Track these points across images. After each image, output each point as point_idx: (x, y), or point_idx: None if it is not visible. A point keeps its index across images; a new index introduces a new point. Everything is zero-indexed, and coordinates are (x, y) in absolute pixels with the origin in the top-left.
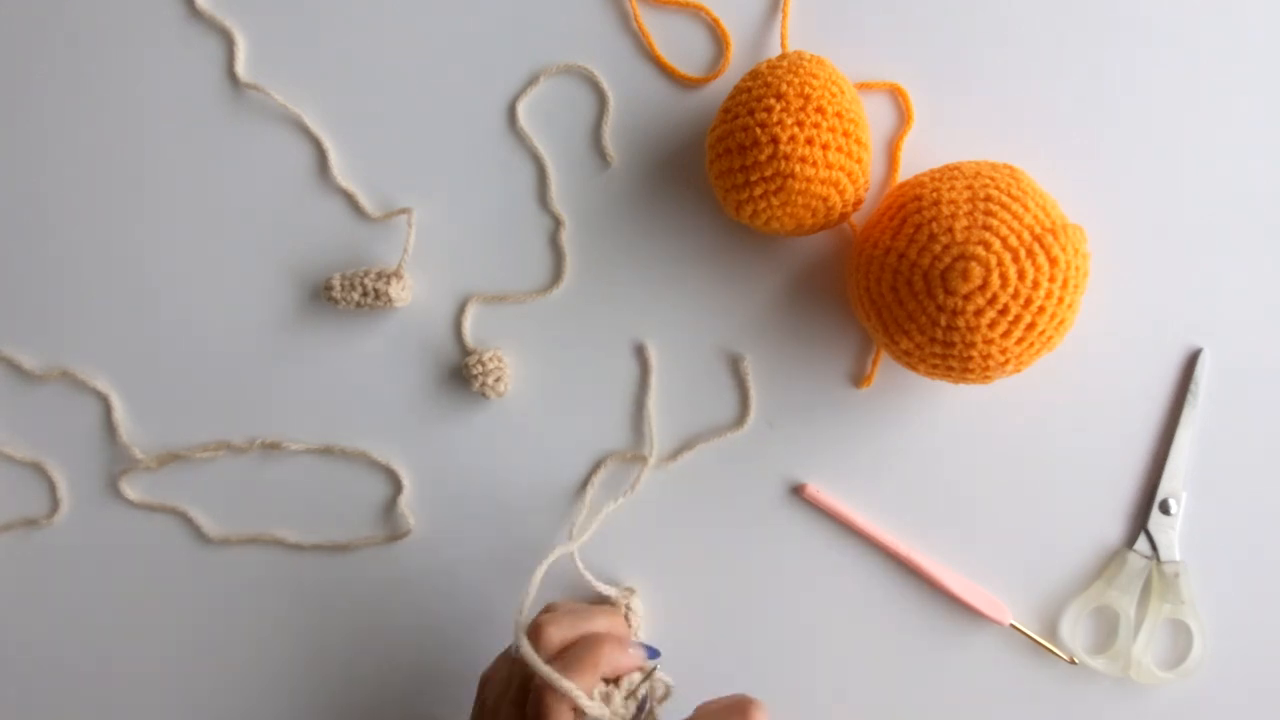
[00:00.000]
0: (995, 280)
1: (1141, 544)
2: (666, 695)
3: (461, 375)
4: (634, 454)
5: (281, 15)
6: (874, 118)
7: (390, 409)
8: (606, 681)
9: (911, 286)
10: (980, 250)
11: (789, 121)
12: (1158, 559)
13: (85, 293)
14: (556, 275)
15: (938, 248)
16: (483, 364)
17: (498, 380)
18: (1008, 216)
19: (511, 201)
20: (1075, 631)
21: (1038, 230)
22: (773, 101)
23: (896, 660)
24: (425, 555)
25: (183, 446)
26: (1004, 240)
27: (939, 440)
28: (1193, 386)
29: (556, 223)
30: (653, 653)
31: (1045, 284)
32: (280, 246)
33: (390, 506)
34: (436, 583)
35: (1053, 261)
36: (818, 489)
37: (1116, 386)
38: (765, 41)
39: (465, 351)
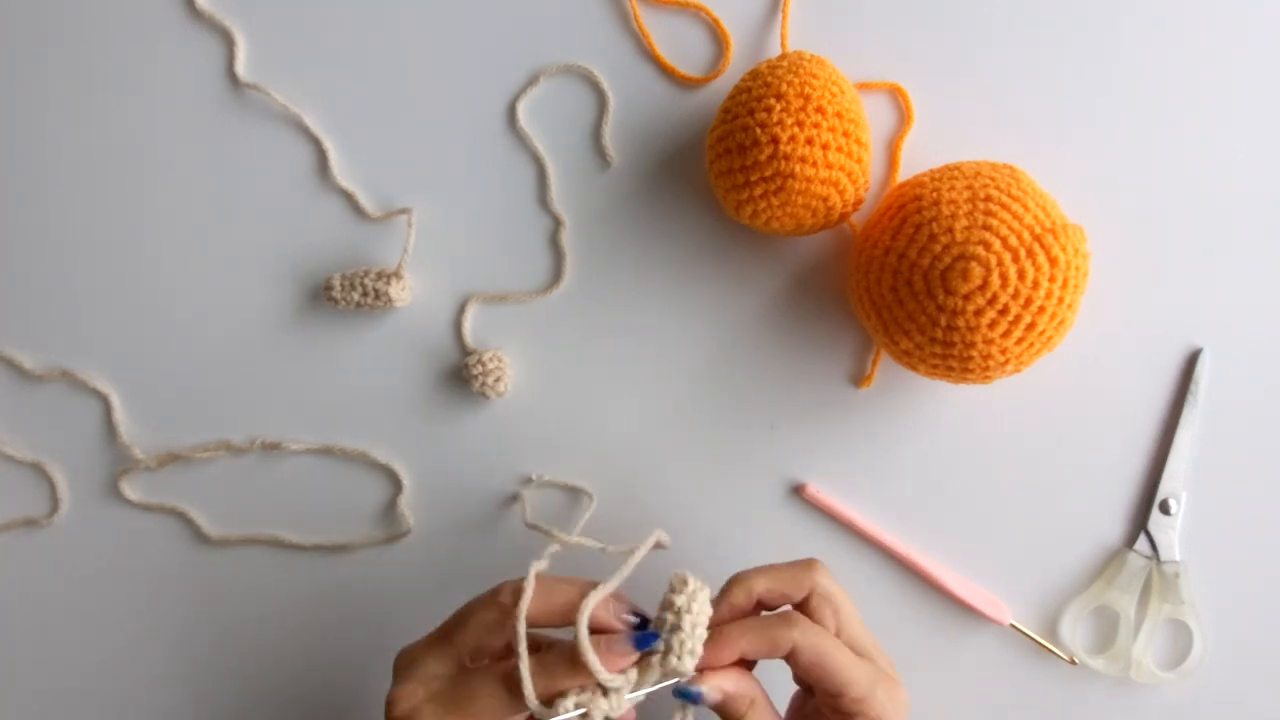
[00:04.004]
0: (995, 280)
1: (1141, 544)
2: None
3: (461, 375)
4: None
5: (281, 15)
6: (874, 118)
7: (390, 409)
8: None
9: (911, 286)
10: (980, 250)
11: (789, 121)
12: (1158, 559)
13: (85, 293)
14: (556, 275)
15: (938, 248)
16: (483, 364)
17: (498, 380)
18: (1008, 216)
19: (511, 201)
20: (1075, 631)
21: (1038, 230)
22: (773, 101)
23: (897, 660)
24: (425, 555)
25: (183, 446)
26: (1004, 240)
27: (939, 440)
28: (1193, 386)
29: (556, 223)
30: (644, 639)
31: (1045, 284)
32: (280, 246)
33: (390, 506)
34: (436, 583)
35: (1053, 261)
36: (818, 489)
37: (1116, 386)
38: (765, 41)
39: (465, 351)
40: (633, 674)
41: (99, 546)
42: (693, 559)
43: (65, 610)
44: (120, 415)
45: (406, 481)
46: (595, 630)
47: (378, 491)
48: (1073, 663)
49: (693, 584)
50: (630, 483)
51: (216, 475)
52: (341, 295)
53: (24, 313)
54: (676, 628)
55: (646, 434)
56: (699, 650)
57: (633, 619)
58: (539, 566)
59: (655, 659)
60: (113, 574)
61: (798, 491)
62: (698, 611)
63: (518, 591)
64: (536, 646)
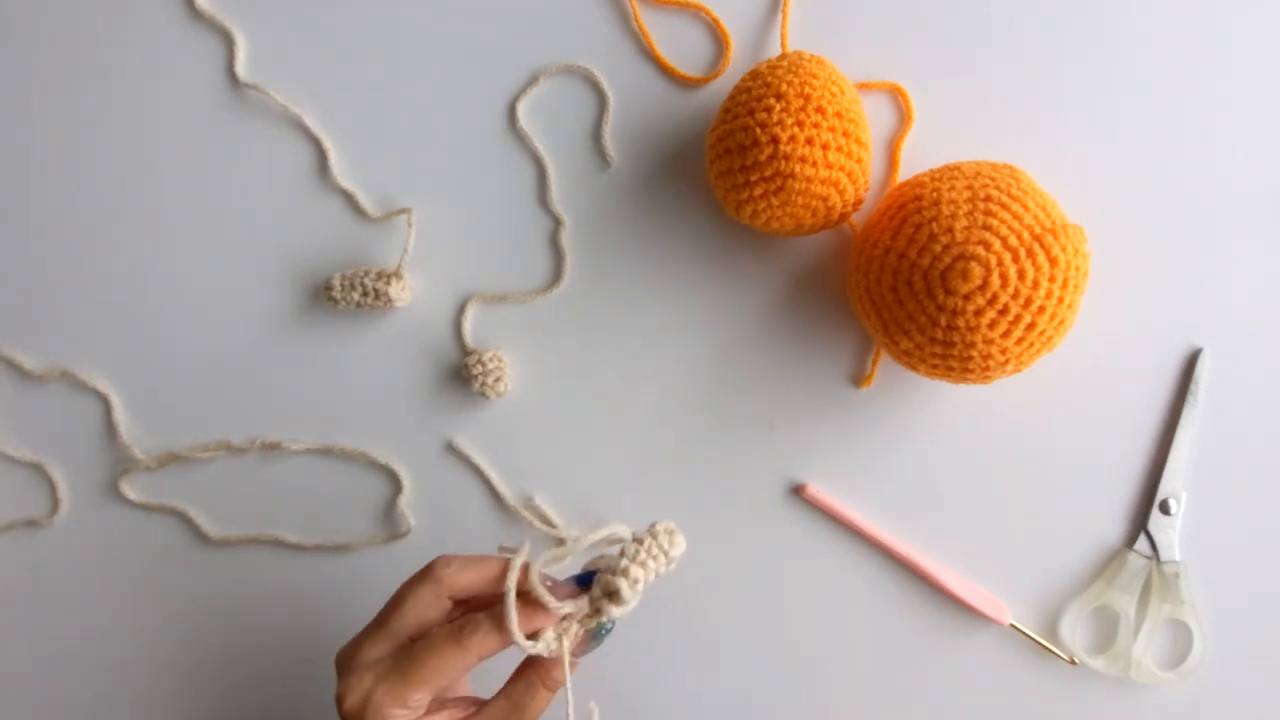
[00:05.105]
0: (995, 280)
1: (1141, 544)
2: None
3: (461, 375)
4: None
5: (281, 15)
6: (874, 118)
7: (390, 409)
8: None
9: (911, 286)
10: (980, 250)
11: (789, 121)
12: (1158, 559)
13: (85, 293)
14: (556, 275)
15: (938, 248)
16: (483, 364)
17: (498, 380)
18: (1008, 216)
19: (511, 201)
20: (1075, 631)
21: (1038, 230)
22: (773, 101)
23: (897, 660)
24: (425, 555)
25: (183, 446)
26: (1004, 240)
27: (939, 440)
28: (1193, 386)
29: (556, 223)
30: (583, 579)
31: (1045, 284)
32: (280, 246)
33: (390, 506)
34: None
35: (1053, 261)
36: (818, 489)
37: (1116, 386)
38: (765, 41)
39: (465, 351)
40: (582, 605)
41: (99, 546)
42: (692, 558)
43: (65, 610)
44: (120, 415)
45: (406, 481)
46: (522, 594)
47: (378, 491)
48: (1073, 663)
49: (666, 526)
50: (630, 482)
51: (216, 475)
52: (341, 295)
53: (24, 313)
54: (642, 541)
55: (646, 434)
56: (639, 576)
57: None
58: (528, 548)
59: (605, 577)
60: (113, 574)
61: (798, 491)
62: (662, 548)
63: (451, 568)
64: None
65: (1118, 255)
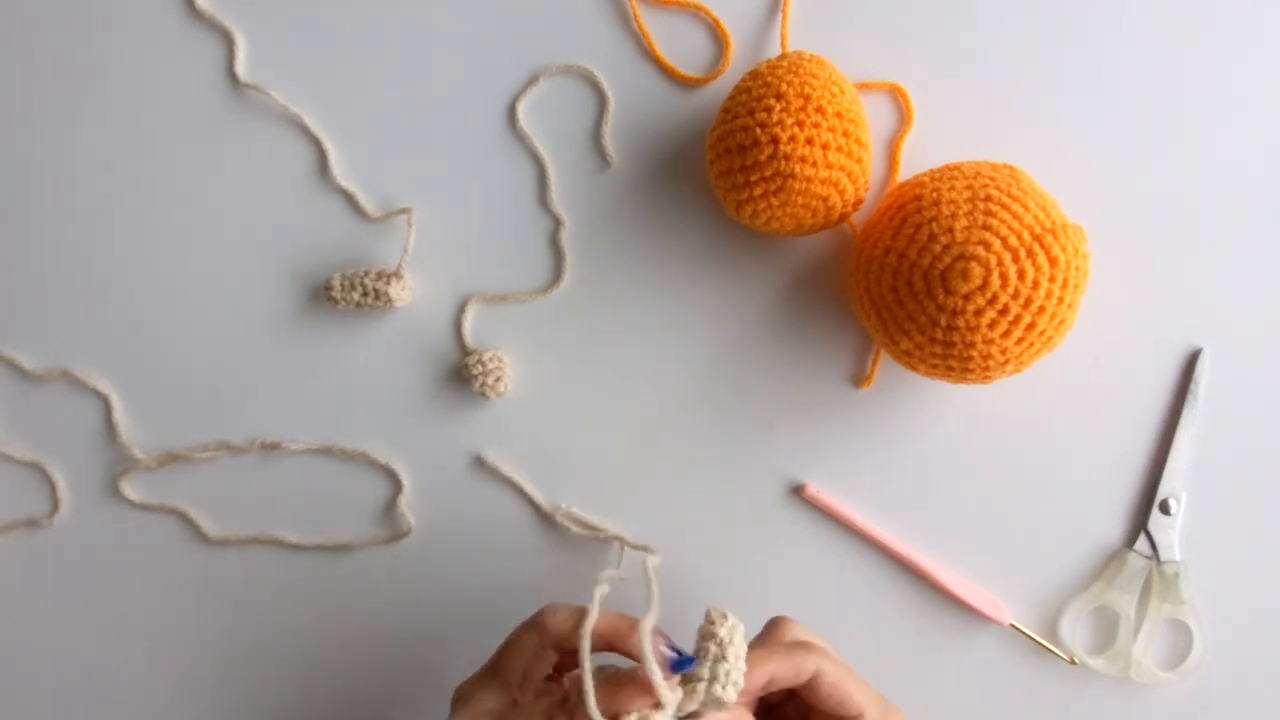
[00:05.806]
0: (995, 280)
1: (1141, 544)
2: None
3: (461, 375)
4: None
5: (281, 15)
6: (874, 118)
7: (390, 409)
8: None
9: (911, 286)
10: (980, 250)
11: (789, 121)
12: (1158, 559)
13: (85, 293)
14: (556, 275)
15: (938, 248)
16: (483, 364)
17: (498, 380)
18: (1008, 216)
19: (511, 201)
20: (1075, 631)
21: (1038, 230)
22: (773, 101)
23: (896, 660)
24: (425, 555)
25: (183, 446)
26: (1004, 240)
27: (939, 440)
28: (1193, 386)
29: (556, 223)
30: (684, 663)
31: (1045, 284)
32: (280, 246)
33: (390, 506)
34: (436, 583)
35: (1053, 261)
36: (818, 489)
37: (1116, 386)
38: (765, 41)
39: (465, 351)
40: (679, 696)
41: (99, 546)
42: (693, 559)
43: (65, 610)
44: (120, 415)
45: (406, 481)
46: (625, 654)
47: (378, 491)
48: (1073, 663)
49: (732, 619)
50: (630, 483)
51: (216, 475)
52: (341, 295)
53: (24, 313)
54: (721, 658)
55: (646, 434)
56: (741, 682)
57: (669, 652)
58: (603, 590)
59: (701, 687)
60: (113, 574)
61: (798, 491)
62: (738, 644)
63: (558, 616)
64: (573, 668)
65: (1118, 255)
